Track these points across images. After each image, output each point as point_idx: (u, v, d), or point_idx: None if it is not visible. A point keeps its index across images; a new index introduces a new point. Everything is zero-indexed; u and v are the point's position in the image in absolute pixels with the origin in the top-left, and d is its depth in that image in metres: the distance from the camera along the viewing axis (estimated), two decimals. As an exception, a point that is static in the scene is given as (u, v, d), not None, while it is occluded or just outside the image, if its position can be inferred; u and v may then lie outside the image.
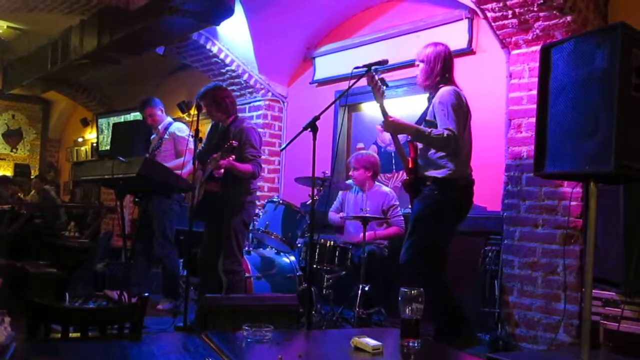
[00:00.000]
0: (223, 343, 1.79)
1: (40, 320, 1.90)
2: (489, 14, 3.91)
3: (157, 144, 5.26)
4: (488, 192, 4.13)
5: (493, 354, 3.02)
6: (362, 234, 4.24)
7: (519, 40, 3.93)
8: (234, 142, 3.88)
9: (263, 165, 4.98)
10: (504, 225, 4.00)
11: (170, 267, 5.10)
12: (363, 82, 3.56)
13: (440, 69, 3.49)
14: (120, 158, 3.66)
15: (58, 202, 9.74)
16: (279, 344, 1.88)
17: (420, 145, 3.55)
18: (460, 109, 3.38)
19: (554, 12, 3.61)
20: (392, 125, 3.51)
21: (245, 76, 6.13)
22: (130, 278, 4.69)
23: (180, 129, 5.32)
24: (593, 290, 2.62)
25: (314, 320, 4.09)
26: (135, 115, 7.91)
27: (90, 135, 10.68)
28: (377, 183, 4.87)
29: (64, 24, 6.80)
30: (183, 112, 7.08)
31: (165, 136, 5.27)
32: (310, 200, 3.56)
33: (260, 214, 4.71)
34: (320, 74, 5.97)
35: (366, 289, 4.15)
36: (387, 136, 5.17)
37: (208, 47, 5.89)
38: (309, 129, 3.32)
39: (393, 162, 5.32)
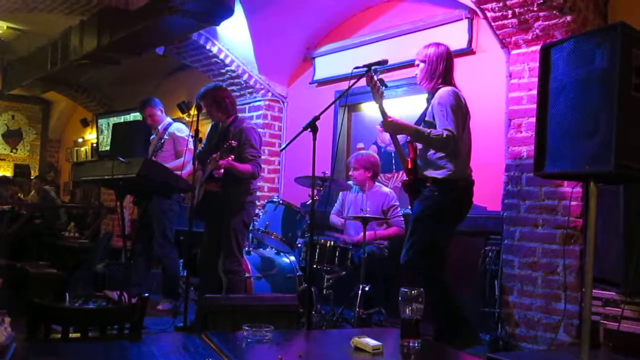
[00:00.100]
0: (223, 343, 1.79)
1: (40, 321, 1.90)
2: (488, 14, 3.91)
3: (157, 145, 5.26)
4: (488, 192, 4.13)
5: (493, 354, 3.02)
6: (362, 234, 4.24)
7: (519, 40, 3.93)
8: (233, 142, 3.88)
9: (263, 166, 4.98)
10: (504, 225, 4.00)
11: (170, 268, 5.10)
12: (363, 82, 3.56)
13: (443, 69, 3.50)
14: (120, 158, 3.66)
15: (58, 202, 9.74)
16: (279, 344, 1.88)
17: (419, 146, 3.55)
18: (459, 110, 3.38)
19: (554, 12, 3.61)
20: (391, 126, 3.51)
21: (245, 76, 6.13)
22: (130, 278, 4.69)
23: (180, 129, 5.32)
24: (593, 290, 2.62)
25: (314, 321, 4.09)
26: (135, 116, 7.92)
27: (90, 135, 10.68)
28: (377, 183, 4.87)
29: (64, 25, 6.80)
30: (183, 113, 7.10)
31: (165, 136, 5.27)
32: (310, 201, 3.56)
33: (260, 214, 4.71)
34: (320, 74, 5.97)
35: (366, 289, 4.15)
36: (387, 136, 5.17)
37: (208, 47, 5.89)
38: (309, 129, 3.32)
39: (393, 162, 5.32)
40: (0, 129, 12.07)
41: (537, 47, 3.60)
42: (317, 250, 4.34)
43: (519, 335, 3.83)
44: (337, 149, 5.58)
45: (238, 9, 5.38)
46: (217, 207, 4.16)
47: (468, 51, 4.61)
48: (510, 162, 4.00)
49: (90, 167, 5.21)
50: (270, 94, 6.30)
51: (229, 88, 5.26)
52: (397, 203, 4.70)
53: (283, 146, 6.15)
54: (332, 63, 5.79)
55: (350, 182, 5.01)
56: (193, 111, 4.38)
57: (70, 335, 1.95)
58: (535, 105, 2.65)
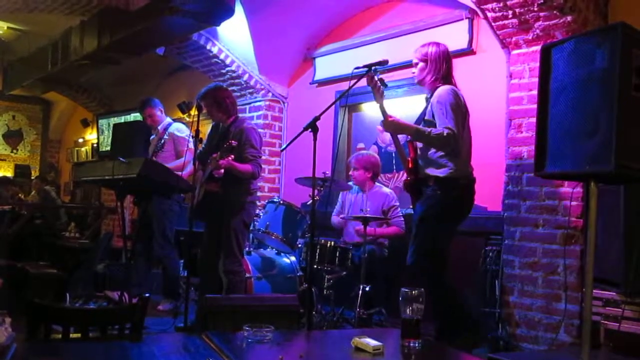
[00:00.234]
0: (223, 343, 1.79)
1: (40, 321, 1.90)
2: (489, 14, 3.91)
3: (157, 145, 5.26)
4: (488, 192, 4.13)
5: (494, 354, 3.02)
6: (362, 230, 4.25)
7: (519, 40, 3.93)
8: (233, 142, 3.88)
9: (263, 166, 4.98)
10: (505, 225, 4.00)
11: (170, 268, 5.10)
12: (363, 82, 3.56)
13: (446, 69, 3.51)
14: (121, 159, 3.66)
15: (58, 202, 9.75)
16: (279, 345, 1.88)
17: (419, 145, 3.55)
18: (459, 108, 3.39)
19: (554, 12, 3.61)
20: (391, 125, 3.51)
21: (246, 77, 6.13)
22: (131, 279, 4.69)
23: (180, 130, 5.32)
24: (594, 290, 2.62)
25: (314, 321, 4.09)
26: (136, 116, 7.92)
27: (91, 135, 10.69)
28: (377, 184, 4.87)
29: (64, 25, 6.80)
30: (183, 113, 7.11)
31: (165, 137, 5.27)
32: (311, 201, 3.56)
33: (261, 214, 4.71)
34: (320, 75, 5.97)
35: (367, 289, 4.15)
36: (388, 136, 5.17)
37: (208, 47, 5.89)
38: (310, 130, 3.32)
39: (394, 162, 5.32)
40: (0, 129, 12.08)
41: (538, 47, 3.59)
42: (318, 251, 4.34)
43: (519, 336, 3.83)
44: (337, 149, 5.58)
45: (238, 9, 5.38)
46: (217, 207, 4.16)
47: (468, 51, 4.61)
48: (511, 162, 4.00)
49: (90, 167, 5.21)
50: (270, 94, 6.30)
51: (229, 88, 5.26)
52: (397, 203, 4.70)
53: (283, 146, 6.15)
54: (333, 63, 5.79)
55: (350, 183, 5.01)
56: (194, 111, 4.38)
57: (71, 335, 1.95)
58: (535, 106, 2.65)
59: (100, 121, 9.51)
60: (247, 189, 4.21)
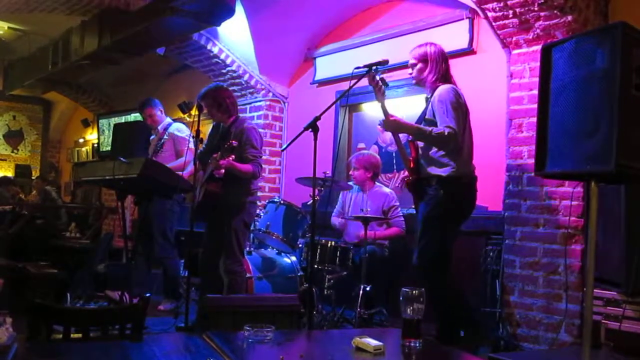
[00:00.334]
0: (224, 343, 1.79)
1: (41, 321, 1.90)
2: (489, 14, 3.91)
3: (157, 146, 5.26)
4: (489, 192, 4.13)
5: (494, 354, 3.02)
6: (362, 234, 4.24)
7: (520, 40, 3.93)
8: (233, 142, 3.89)
9: (264, 166, 4.98)
10: (505, 225, 4.00)
11: (170, 268, 5.10)
12: (364, 82, 3.56)
13: (445, 67, 3.53)
14: (121, 159, 3.66)
15: (59, 202, 9.75)
16: (280, 344, 1.88)
17: (421, 145, 3.55)
18: (460, 107, 3.40)
19: (555, 11, 3.61)
20: (393, 125, 3.52)
21: (246, 77, 6.13)
22: (131, 279, 4.69)
23: (180, 129, 5.32)
24: (594, 290, 2.62)
25: (315, 321, 4.09)
26: (136, 116, 7.92)
27: (91, 136, 10.69)
28: (377, 184, 4.87)
29: (65, 25, 6.81)
30: (184, 113, 7.11)
31: (165, 137, 5.27)
32: (312, 201, 3.56)
33: (261, 214, 4.71)
34: (320, 74, 5.97)
35: (367, 289, 4.15)
36: (388, 136, 5.17)
37: (209, 47, 5.89)
38: (310, 129, 3.32)
39: (394, 162, 5.32)
40: (1, 130, 12.08)
41: (538, 47, 3.59)
42: (318, 251, 4.34)
43: (520, 335, 3.83)
44: (338, 149, 5.58)
45: (239, 9, 5.38)
46: (218, 207, 4.16)
47: (469, 51, 4.62)
48: (511, 162, 4.00)
49: (91, 167, 5.21)
50: (271, 94, 6.30)
51: (229, 88, 5.26)
52: (398, 203, 4.70)
53: (284, 146, 6.15)
54: (333, 63, 5.79)
55: (350, 183, 5.01)
56: (194, 111, 4.38)
57: (72, 335, 1.95)
58: (536, 105, 2.65)
59: (100, 121, 9.52)
60: (248, 189, 4.21)
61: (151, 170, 3.60)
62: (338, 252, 4.37)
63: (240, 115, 4.62)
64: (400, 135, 3.64)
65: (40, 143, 12.47)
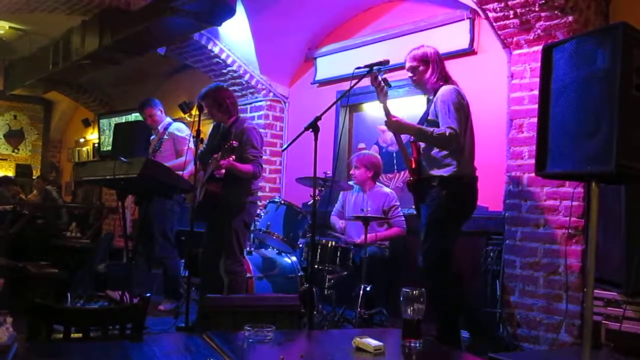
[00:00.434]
0: (224, 343, 1.79)
1: (41, 321, 1.90)
2: (490, 14, 3.91)
3: (156, 145, 5.26)
4: (489, 192, 4.13)
5: (494, 354, 3.01)
6: (363, 234, 4.24)
7: (521, 41, 3.93)
8: (234, 142, 3.89)
9: (264, 166, 4.98)
10: (506, 225, 4.00)
11: (170, 268, 5.10)
12: (364, 82, 3.56)
13: (443, 67, 3.54)
14: (122, 159, 3.66)
15: (60, 202, 9.75)
16: (280, 344, 1.88)
17: (422, 145, 3.56)
18: (462, 108, 3.40)
19: (556, 12, 3.61)
20: (394, 125, 3.52)
21: (247, 77, 6.13)
22: (132, 278, 4.69)
23: (180, 129, 5.32)
24: (595, 291, 2.62)
25: (315, 321, 4.08)
26: (137, 116, 7.91)
27: (92, 135, 10.69)
28: (377, 184, 4.86)
29: (66, 25, 6.81)
30: (184, 113, 7.10)
31: (165, 136, 5.27)
32: (312, 201, 3.56)
33: (262, 214, 4.71)
34: (321, 75, 5.97)
35: (367, 289, 4.15)
36: (389, 136, 5.18)
37: (209, 47, 5.89)
38: (311, 129, 3.32)
39: (395, 162, 5.32)
40: (2, 129, 12.09)
41: (539, 48, 3.60)
42: (319, 251, 4.34)
43: (520, 335, 3.83)
44: (338, 149, 5.58)
45: (239, 9, 5.38)
46: (218, 207, 4.16)
47: (469, 51, 4.61)
48: (512, 162, 4.00)
49: (91, 167, 5.21)
50: (271, 94, 6.30)
51: (230, 88, 5.27)
52: (398, 203, 4.70)
53: (284, 146, 6.15)
54: (334, 63, 5.79)
55: (351, 182, 5.01)
56: (195, 111, 4.38)
57: (72, 335, 1.95)
58: (536, 106, 2.65)
59: (101, 121, 9.52)
60: (248, 189, 4.21)
61: (151, 170, 3.60)
62: (338, 252, 4.37)
63: (241, 115, 4.62)
64: (402, 135, 3.64)
65: (41, 143, 12.48)
